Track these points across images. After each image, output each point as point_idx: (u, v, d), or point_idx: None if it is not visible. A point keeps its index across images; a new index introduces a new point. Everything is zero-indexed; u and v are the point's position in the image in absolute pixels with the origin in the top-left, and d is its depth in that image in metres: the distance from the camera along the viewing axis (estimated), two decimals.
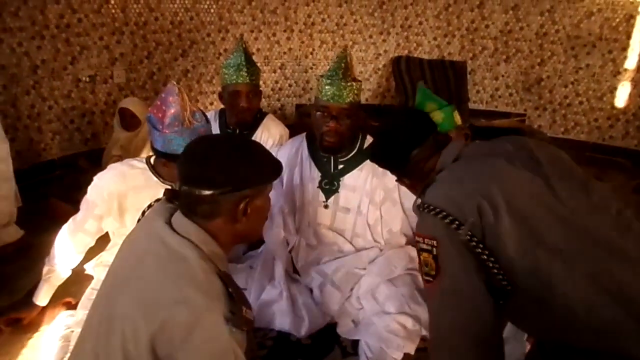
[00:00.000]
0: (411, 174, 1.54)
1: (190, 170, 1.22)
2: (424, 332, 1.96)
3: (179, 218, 1.23)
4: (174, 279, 1.11)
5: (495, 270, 1.22)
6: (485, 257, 1.22)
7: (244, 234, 1.28)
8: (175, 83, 1.74)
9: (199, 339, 1.07)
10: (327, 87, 2.03)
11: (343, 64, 2.06)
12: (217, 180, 1.19)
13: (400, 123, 1.59)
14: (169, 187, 1.37)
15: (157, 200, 1.38)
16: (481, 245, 1.22)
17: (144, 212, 1.38)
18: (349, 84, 2.04)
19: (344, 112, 2.06)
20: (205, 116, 1.80)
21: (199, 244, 1.17)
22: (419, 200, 1.34)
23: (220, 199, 1.19)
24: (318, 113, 2.08)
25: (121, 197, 1.87)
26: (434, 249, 1.24)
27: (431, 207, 1.27)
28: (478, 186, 1.28)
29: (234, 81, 2.46)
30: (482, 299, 1.22)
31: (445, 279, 1.24)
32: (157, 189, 1.85)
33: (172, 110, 1.69)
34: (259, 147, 1.32)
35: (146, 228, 1.27)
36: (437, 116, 1.92)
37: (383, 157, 1.61)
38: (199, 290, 1.09)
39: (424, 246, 1.27)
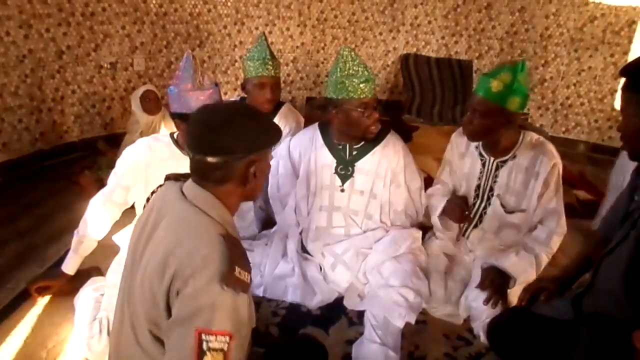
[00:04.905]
0: None
1: (202, 138, 1.27)
2: (424, 305, 2.14)
3: (189, 186, 1.31)
4: (180, 240, 1.20)
5: None
6: None
7: (249, 194, 1.36)
8: (190, 52, 1.98)
9: (190, 290, 1.12)
10: (362, 86, 2.15)
11: (358, 60, 2.20)
12: (230, 147, 1.25)
13: None
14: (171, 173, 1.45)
15: (161, 185, 1.45)
16: None
17: (152, 193, 1.46)
18: (372, 76, 2.21)
19: (376, 101, 2.23)
20: (216, 82, 2.00)
21: (206, 209, 1.25)
22: None
23: (232, 165, 1.26)
24: (359, 110, 2.19)
25: (147, 166, 2.03)
26: None
27: None
28: None
29: (260, 74, 2.63)
30: None
31: None
32: (179, 161, 2.02)
33: (186, 74, 1.91)
34: (261, 112, 1.41)
35: (158, 202, 1.36)
36: (497, 85, 1.99)
37: None
38: (200, 247, 1.17)
39: None
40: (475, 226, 2.26)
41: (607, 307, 1.58)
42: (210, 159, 1.25)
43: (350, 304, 2.25)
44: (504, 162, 2.15)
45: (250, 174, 1.30)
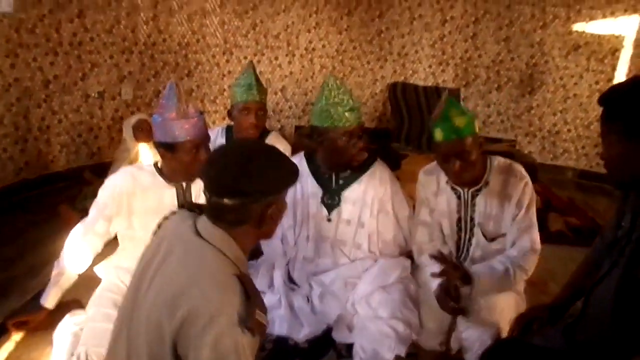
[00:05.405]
0: None
1: (220, 181, 1.23)
2: (414, 337, 2.08)
3: (203, 223, 1.27)
4: (194, 279, 1.17)
5: None
6: None
7: (264, 235, 1.34)
8: (173, 80, 1.97)
9: (210, 337, 1.10)
10: (347, 114, 2.14)
11: (343, 89, 2.20)
12: (249, 190, 1.22)
13: None
14: (181, 204, 1.42)
15: (173, 213, 1.41)
16: None
17: (165, 218, 1.42)
18: (356, 105, 2.20)
19: (361, 130, 2.22)
20: (201, 111, 1.98)
21: (221, 248, 1.22)
22: None
23: (250, 207, 1.23)
24: (344, 139, 2.17)
25: (130, 196, 1.99)
26: None
27: None
28: None
29: (245, 99, 2.62)
30: None
31: None
32: (163, 190, 2.02)
33: (170, 103, 1.89)
34: (277, 151, 1.34)
35: (169, 233, 1.32)
36: (460, 121, 1.96)
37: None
38: (217, 289, 1.14)
39: None
40: (465, 259, 2.23)
41: (599, 336, 1.55)
42: (227, 201, 1.23)
43: (339, 336, 2.19)
44: (478, 190, 2.13)
45: (268, 216, 1.27)
